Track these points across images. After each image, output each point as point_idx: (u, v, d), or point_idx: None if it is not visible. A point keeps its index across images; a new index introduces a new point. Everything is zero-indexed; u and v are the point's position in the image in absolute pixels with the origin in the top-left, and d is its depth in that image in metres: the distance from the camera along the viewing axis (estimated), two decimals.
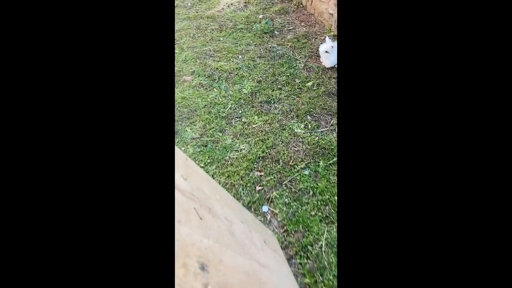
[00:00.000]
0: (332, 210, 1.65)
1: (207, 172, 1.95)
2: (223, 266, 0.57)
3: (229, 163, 2.01)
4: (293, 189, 1.80)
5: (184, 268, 0.44)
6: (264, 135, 2.17)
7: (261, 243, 0.94)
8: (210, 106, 2.48)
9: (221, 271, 0.55)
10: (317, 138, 2.11)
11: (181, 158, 0.74)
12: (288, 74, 2.71)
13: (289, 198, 1.75)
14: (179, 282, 0.40)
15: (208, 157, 2.06)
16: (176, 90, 2.68)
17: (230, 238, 0.69)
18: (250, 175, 1.91)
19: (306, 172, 1.88)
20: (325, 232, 1.58)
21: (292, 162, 1.96)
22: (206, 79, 2.79)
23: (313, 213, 1.67)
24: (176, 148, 0.70)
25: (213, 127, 2.28)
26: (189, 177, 0.69)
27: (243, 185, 1.86)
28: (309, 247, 1.52)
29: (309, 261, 1.48)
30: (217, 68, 2.90)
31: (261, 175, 1.90)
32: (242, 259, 0.69)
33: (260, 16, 3.65)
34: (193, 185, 0.68)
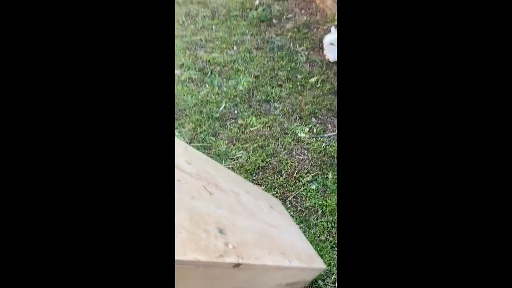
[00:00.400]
0: None
1: None
2: (237, 229, 0.64)
3: None
4: (298, 207, 1.55)
5: (206, 232, 0.52)
6: (263, 140, 1.90)
7: (268, 208, 1.01)
8: (202, 105, 2.19)
9: (236, 232, 0.62)
10: (324, 144, 1.85)
11: (181, 146, 0.81)
12: (288, 69, 2.43)
13: (295, 219, 1.50)
14: (205, 243, 0.49)
15: None
16: None
17: (239, 207, 0.77)
18: None
19: (313, 187, 1.63)
20: None
21: (296, 173, 1.70)
22: (197, 73, 2.48)
23: (322, 237, 1.43)
24: (176, 138, 0.75)
25: (204, 130, 2.00)
26: (193, 162, 0.75)
27: None
28: (320, 283, 1.28)
29: None
30: (209, 61, 2.59)
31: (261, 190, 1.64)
32: (252, 222, 0.75)
33: (257, 2, 3.31)
34: (198, 168, 0.74)
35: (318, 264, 1.02)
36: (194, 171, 0.70)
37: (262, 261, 0.63)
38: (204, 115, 2.11)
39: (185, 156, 0.77)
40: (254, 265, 0.60)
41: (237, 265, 0.54)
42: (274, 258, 0.69)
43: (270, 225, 0.88)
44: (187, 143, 1.91)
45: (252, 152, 1.83)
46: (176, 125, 2.05)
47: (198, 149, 1.88)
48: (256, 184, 1.67)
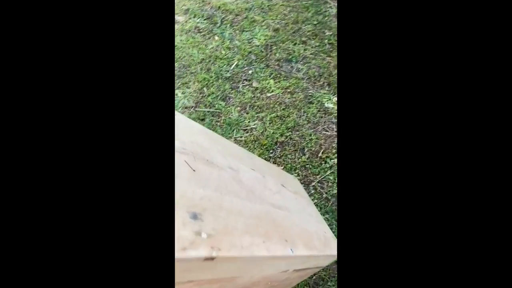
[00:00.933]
0: None
1: None
2: (223, 212, 0.58)
3: None
4: (324, 194, 1.30)
5: None
6: (283, 109, 1.59)
7: (278, 186, 0.93)
8: (210, 61, 1.84)
9: (219, 217, 0.55)
10: None
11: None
12: (315, 22, 2.02)
13: (319, 208, 1.25)
14: None
15: None
16: None
17: (235, 185, 0.70)
18: None
19: None
20: None
21: (322, 153, 1.42)
22: (205, 21, 2.08)
23: None
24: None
25: (213, 93, 1.68)
26: (179, 132, 0.69)
27: None
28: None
29: None
30: (219, 7, 2.17)
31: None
32: (250, 203, 0.69)
33: None
34: (185, 140, 0.68)
35: (334, 250, 0.90)
36: (178, 144, 0.62)
37: (251, 252, 0.56)
38: (213, 74, 1.77)
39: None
40: (236, 258, 0.53)
41: (211, 259, 0.47)
42: (269, 247, 0.62)
43: (275, 206, 0.79)
44: (192, 107, 1.60)
45: (269, 123, 1.53)
46: (178, 84, 1.72)
47: (205, 114, 1.58)
48: (273, 163, 1.40)
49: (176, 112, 0.74)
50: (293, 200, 0.95)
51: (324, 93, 1.65)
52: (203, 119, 1.57)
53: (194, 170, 0.60)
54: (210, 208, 0.55)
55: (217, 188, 0.62)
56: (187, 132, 0.73)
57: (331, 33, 1.96)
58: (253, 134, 1.50)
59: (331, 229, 1.19)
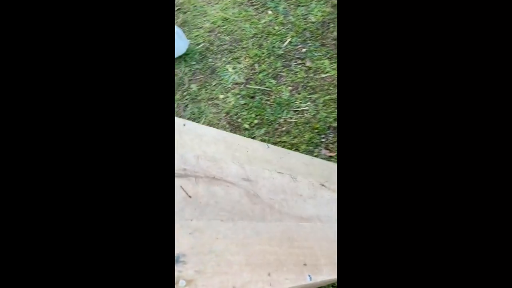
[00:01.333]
0: None
1: (253, 138, 1.38)
2: (218, 245, 0.50)
3: (284, 129, 1.41)
4: None
5: None
6: None
7: (314, 189, 0.81)
8: (262, 37, 1.77)
9: (212, 253, 0.48)
10: None
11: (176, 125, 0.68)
12: None
13: None
14: None
15: (256, 115, 1.46)
16: (216, 7, 1.93)
17: (246, 203, 0.62)
18: (315, 154, 1.33)
19: None
20: None
21: None
22: None
23: None
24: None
25: (264, 70, 1.62)
26: (185, 146, 0.64)
27: None
28: None
29: None
30: None
31: (331, 156, 1.32)
32: (263, 224, 0.61)
33: None
34: (188, 156, 0.62)
35: None
36: (177, 165, 0.58)
37: None
38: (264, 50, 1.70)
39: (178, 138, 0.63)
40: None
41: None
42: (276, 280, 0.53)
43: (301, 218, 0.70)
44: (242, 83, 1.56)
45: (322, 106, 1.46)
46: (230, 58, 1.68)
47: (255, 92, 1.54)
48: (325, 149, 1.34)
49: (185, 121, 0.70)
50: (333, 203, 0.84)
51: None
52: (252, 97, 1.53)
53: (190, 197, 0.55)
54: (198, 245, 0.48)
55: (217, 214, 0.56)
56: (195, 144, 0.66)
57: None
58: (304, 116, 1.44)
59: None
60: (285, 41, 1.74)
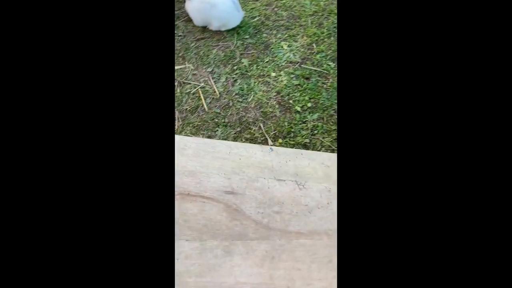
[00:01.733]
0: None
1: (304, 122, 1.26)
2: (181, 264, 0.49)
3: None
4: None
5: None
6: None
7: (329, 196, 0.70)
8: (323, 15, 1.62)
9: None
10: None
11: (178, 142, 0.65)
12: None
13: None
14: None
15: (309, 98, 1.33)
16: None
17: (224, 222, 0.57)
18: None
19: None
20: None
21: None
22: None
23: None
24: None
25: (322, 51, 1.48)
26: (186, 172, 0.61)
27: None
28: None
29: None
30: None
31: None
32: (240, 243, 0.56)
33: None
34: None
35: None
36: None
37: None
38: (325, 30, 1.55)
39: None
40: None
41: None
42: None
43: (300, 234, 0.63)
44: (297, 62, 1.43)
45: None
46: (286, 35, 1.55)
47: (310, 73, 1.40)
48: None
49: (183, 138, 0.66)
50: None
51: None
52: (307, 78, 1.40)
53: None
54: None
55: (183, 233, 0.53)
56: (176, 163, 0.61)
57: None
58: None
59: None
60: None
